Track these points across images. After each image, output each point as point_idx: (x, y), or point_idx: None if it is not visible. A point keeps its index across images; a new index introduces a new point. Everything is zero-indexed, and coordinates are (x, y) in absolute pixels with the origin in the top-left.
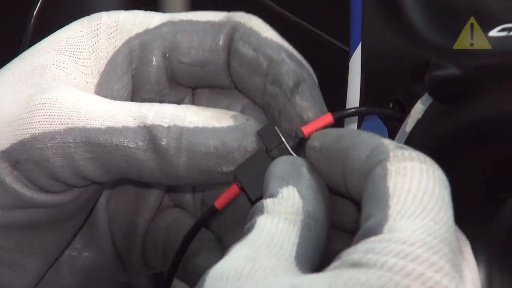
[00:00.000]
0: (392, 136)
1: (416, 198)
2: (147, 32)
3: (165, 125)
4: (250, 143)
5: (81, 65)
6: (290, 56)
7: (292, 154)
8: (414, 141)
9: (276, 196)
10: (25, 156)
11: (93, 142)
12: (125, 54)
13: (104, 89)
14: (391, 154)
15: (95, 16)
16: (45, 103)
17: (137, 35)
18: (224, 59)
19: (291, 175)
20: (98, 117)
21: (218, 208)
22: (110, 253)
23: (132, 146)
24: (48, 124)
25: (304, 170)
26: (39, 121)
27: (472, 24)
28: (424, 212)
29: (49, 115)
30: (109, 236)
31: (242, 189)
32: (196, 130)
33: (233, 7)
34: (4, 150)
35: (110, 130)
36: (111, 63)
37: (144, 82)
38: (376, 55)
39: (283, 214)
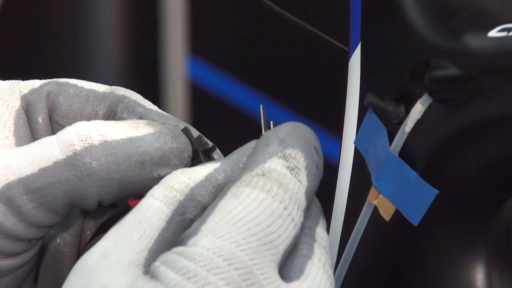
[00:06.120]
0: (391, 136)
1: (231, 221)
2: (32, 91)
3: (97, 143)
4: (181, 143)
5: None
6: (179, 121)
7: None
8: (414, 142)
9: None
10: None
11: (31, 190)
12: (22, 114)
13: (21, 145)
14: (244, 177)
15: None
16: None
17: (24, 96)
18: None
19: (231, 156)
20: (28, 163)
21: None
22: None
23: (69, 178)
24: None
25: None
26: None
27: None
28: (232, 234)
29: None
30: None
31: None
32: (125, 141)
33: (233, 7)
34: None
35: (43, 172)
36: (16, 123)
37: (37, 139)
38: (376, 55)
39: (167, 189)
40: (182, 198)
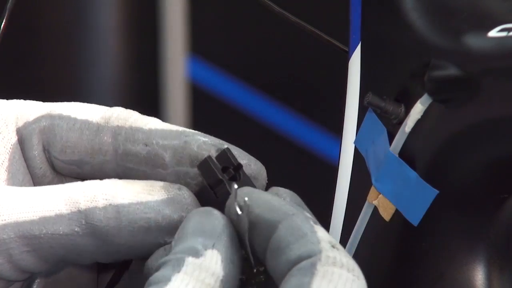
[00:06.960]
0: (391, 136)
1: None
2: (26, 125)
3: (101, 205)
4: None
5: None
6: (192, 133)
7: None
8: (414, 142)
9: (199, 256)
10: None
11: (28, 235)
12: (17, 147)
13: (13, 182)
14: (323, 255)
15: None
16: None
17: (19, 129)
18: (101, 161)
19: (220, 237)
20: (29, 208)
21: None
22: None
23: (69, 233)
24: None
25: (232, 235)
26: None
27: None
28: None
29: None
30: None
31: None
32: (132, 206)
33: (233, 7)
34: None
35: (44, 220)
36: (11, 157)
37: (35, 174)
38: (376, 55)
39: (200, 282)
40: None
